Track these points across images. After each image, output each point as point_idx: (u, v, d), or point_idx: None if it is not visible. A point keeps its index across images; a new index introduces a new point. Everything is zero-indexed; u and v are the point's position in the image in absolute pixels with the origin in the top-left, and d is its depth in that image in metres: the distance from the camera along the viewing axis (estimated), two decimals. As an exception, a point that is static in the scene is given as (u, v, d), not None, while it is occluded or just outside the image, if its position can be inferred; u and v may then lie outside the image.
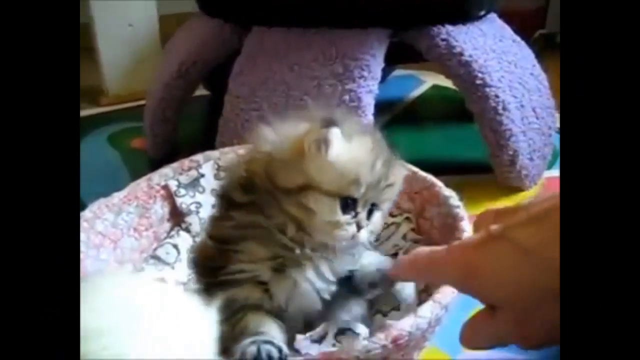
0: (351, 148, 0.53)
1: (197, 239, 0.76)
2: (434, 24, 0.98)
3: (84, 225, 0.64)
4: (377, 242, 0.68)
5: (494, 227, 0.35)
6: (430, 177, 0.70)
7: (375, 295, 0.67)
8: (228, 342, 0.54)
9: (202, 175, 0.78)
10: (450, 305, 0.53)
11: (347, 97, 0.89)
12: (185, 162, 0.78)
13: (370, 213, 0.55)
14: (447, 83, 1.08)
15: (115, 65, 1.50)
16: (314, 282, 0.56)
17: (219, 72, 1.06)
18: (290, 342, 0.55)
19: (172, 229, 0.77)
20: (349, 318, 0.60)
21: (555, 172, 1.01)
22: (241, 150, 0.73)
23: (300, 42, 0.95)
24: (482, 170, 1.05)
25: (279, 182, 0.54)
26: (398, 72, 1.65)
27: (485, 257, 0.35)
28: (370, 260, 0.60)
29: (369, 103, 0.90)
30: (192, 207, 0.77)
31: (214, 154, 0.79)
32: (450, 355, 0.67)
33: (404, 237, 0.71)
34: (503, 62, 1.02)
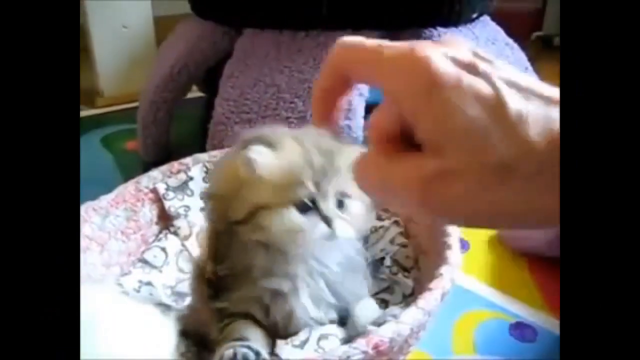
0: (279, 155, 0.53)
1: (186, 243, 0.76)
2: (425, 27, 0.98)
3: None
4: (366, 245, 0.68)
5: (480, 61, 0.30)
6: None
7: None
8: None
9: (191, 179, 0.78)
10: (434, 311, 0.53)
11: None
12: (175, 165, 0.78)
13: (342, 204, 0.54)
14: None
15: (110, 67, 1.50)
16: (309, 308, 0.55)
17: (214, 73, 1.06)
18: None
19: (160, 232, 0.77)
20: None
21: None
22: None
23: (291, 45, 0.95)
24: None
25: (232, 217, 0.54)
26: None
27: (462, 82, 0.29)
28: (366, 313, 0.58)
29: (358, 106, 0.89)
30: (181, 211, 0.77)
31: (203, 156, 0.79)
32: (436, 358, 0.67)
33: (392, 240, 0.71)
34: (495, 65, 1.01)
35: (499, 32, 1.12)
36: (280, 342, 0.53)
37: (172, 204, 0.76)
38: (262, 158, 0.52)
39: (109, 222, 0.70)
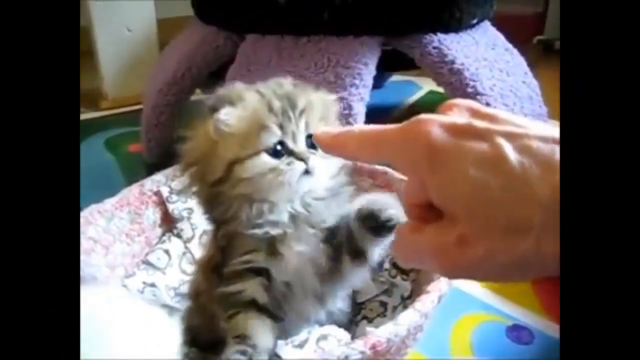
0: (240, 108, 0.55)
1: (189, 245, 0.77)
2: (426, 32, 0.99)
3: (74, 231, 0.65)
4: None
5: (477, 121, 0.31)
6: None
7: (364, 300, 0.69)
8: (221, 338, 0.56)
9: (194, 182, 0.79)
10: (431, 313, 0.54)
11: (338, 105, 0.90)
12: (178, 169, 0.79)
13: (314, 144, 0.54)
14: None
15: (114, 69, 1.51)
16: (300, 249, 0.56)
17: (218, 76, 1.08)
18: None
19: (163, 234, 0.78)
20: (334, 309, 0.61)
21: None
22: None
23: (293, 50, 0.97)
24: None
25: (211, 178, 0.56)
26: (396, 77, 1.67)
27: (460, 147, 0.30)
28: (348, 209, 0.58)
29: (360, 111, 0.90)
30: (184, 213, 0.78)
31: (206, 160, 0.80)
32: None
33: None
34: (495, 70, 1.03)
35: (499, 37, 1.13)
36: (280, 343, 0.54)
37: (176, 206, 0.77)
38: (229, 116, 0.54)
39: (114, 225, 0.72)
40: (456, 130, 0.30)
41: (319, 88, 0.62)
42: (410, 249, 0.34)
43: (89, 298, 0.34)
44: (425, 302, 0.52)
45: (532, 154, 0.28)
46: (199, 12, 1.12)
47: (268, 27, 1.00)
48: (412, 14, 0.98)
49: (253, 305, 0.56)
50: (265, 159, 0.54)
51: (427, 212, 0.32)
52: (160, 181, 0.77)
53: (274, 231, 0.56)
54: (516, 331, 0.73)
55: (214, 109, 0.55)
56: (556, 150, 0.28)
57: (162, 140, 1.14)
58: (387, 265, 0.70)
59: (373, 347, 0.47)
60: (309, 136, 0.56)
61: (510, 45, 1.12)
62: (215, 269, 0.59)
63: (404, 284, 0.68)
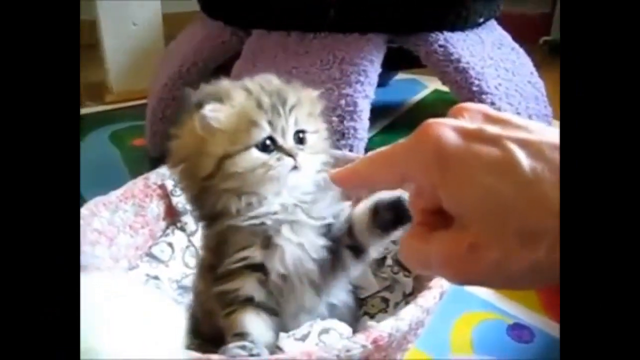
0: (229, 105, 0.55)
1: (192, 238, 0.77)
2: (432, 31, 0.99)
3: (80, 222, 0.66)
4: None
5: (488, 126, 0.30)
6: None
7: (366, 296, 0.69)
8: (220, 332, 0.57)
9: (198, 176, 0.79)
10: (433, 309, 0.55)
11: (343, 102, 0.90)
12: (182, 163, 0.79)
13: (302, 140, 0.57)
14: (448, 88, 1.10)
15: (120, 63, 1.52)
16: (293, 238, 0.56)
17: (223, 71, 1.08)
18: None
19: (167, 227, 0.78)
20: (336, 301, 0.62)
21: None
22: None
23: (298, 46, 0.97)
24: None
25: (201, 174, 0.56)
26: (400, 76, 1.67)
27: (471, 152, 0.29)
28: (343, 208, 0.60)
29: (364, 108, 0.91)
30: (188, 207, 0.78)
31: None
32: (434, 357, 0.68)
33: (394, 240, 0.72)
34: (500, 69, 1.03)
35: (505, 37, 1.13)
36: (282, 335, 0.55)
37: (180, 200, 0.78)
38: (217, 113, 0.55)
39: (118, 217, 0.72)
40: (467, 135, 0.30)
41: (303, 85, 0.62)
42: (420, 258, 0.33)
43: (95, 283, 0.34)
44: (427, 298, 0.53)
45: (544, 160, 0.28)
46: (205, 8, 1.12)
47: (274, 22, 1.00)
48: (418, 12, 0.98)
49: (250, 302, 0.56)
50: (256, 154, 0.55)
51: (435, 218, 0.32)
52: (164, 174, 0.78)
53: (268, 220, 0.56)
54: (517, 330, 0.73)
55: (199, 105, 0.55)
56: None
57: (166, 135, 1.14)
58: (389, 261, 0.71)
59: (375, 341, 0.48)
60: (298, 132, 0.56)
61: (516, 45, 1.13)
62: (209, 269, 0.60)
63: (406, 280, 0.68)
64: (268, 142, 0.55)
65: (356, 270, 0.61)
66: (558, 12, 2.08)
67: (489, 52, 1.04)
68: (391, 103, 1.50)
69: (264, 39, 1.01)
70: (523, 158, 0.28)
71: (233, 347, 0.51)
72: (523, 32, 1.20)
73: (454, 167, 0.30)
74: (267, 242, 0.56)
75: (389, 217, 0.56)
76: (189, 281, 0.72)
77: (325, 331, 0.55)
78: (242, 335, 0.54)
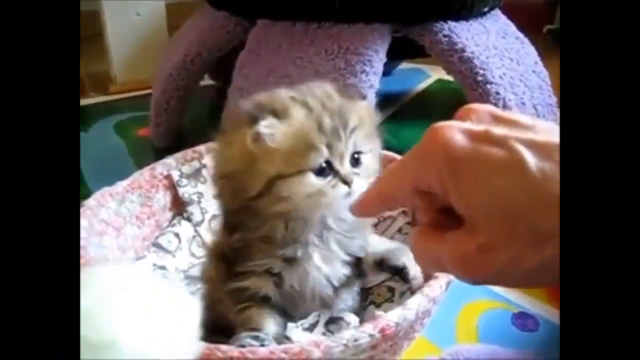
0: (288, 124, 0.52)
1: (199, 229, 0.78)
2: (436, 20, 0.99)
3: (87, 212, 0.66)
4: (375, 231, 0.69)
5: (495, 128, 0.31)
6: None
7: (372, 285, 0.70)
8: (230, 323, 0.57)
9: (204, 166, 0.79)
10: (439, 298, 0.55)
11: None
12: (188, 153, 0.80)
13: (357, 161, 0.54)
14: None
15: (123, 53, 1.51)
16: (322, 268, 0.56)
17: (226, 62, 1.08)
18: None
19: (173, 217, 0.79)
20: (343, 306, 0.61)
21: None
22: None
23: (303, 36, 0.97)
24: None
25: (248, 193, 0.53)
26: (404, 65, 1.66)
27: (479, 154, 0.30)
28: (378, 243, 0.61)
29: (369, 98, 0.91)
30: (194, 197, 0.79)
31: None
32: (440, 347, 0.69)
33: (400, 230, 0.73)
34: (505, 59, 1.02)
35: (510, 26, 1.13)
36: (290, 325, 0.55)
37: (186, 190, 0.78)
38: (272, 130, 0.51)
39: (125, 208, 0.72)
40: (475, 137, 0.30)
41: (360, 96, 0.60)
42: (432, 258, 0.33)
43: (108, 275, 0.34)
44: (434, 288, 0.53)
45: (552, 160, 0.28)
46: (210, -2, 1.12)
47: (279, 12, 1.00)
48: (423, 1, 0.97)
49: (267, 301, 0.57)
50: (312, 180, 0.52)
51: (445, 217, 0.33)
52: (170, 165, 0.78)
53: (300, 252, 0.56)
54: (522, 319, 0.73)
55: (254, 119, 0.51)
56: None
57: (171, 125, 1.15)
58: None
59: (382, 330, 0.48)
60: (354, 153, 0.54)
61: (520, 34, 1.12)
62: (224, 258, 0.59)
63: (411, 270, 0.68)
64: (324, 165, 0.52)
65: (363, 281, 0.63)
66: None
67: (494, 42, 1.04)
68: (395, 92, 1.50)
69: (269, 29, 1.01)
70: (530, 159, 0.28)
71: (245, 336, 0.52)
72: (527, 21, 1.19)
73: (463, 169, 0.30)
74: (294, 261, 0.56)
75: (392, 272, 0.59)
76: (196, 271, 0.73)
77: (333, 321, 0.56)
78: (256, 331, 0.54)
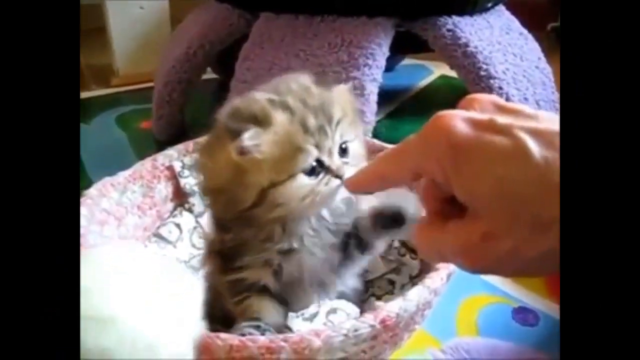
0: (272, 131, 0.50)
1: (200, 219, 0.78)
2: (440, 15, 0.98)
3: (88, 202, 0.66)
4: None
5: (499, 117, 0.31)
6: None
7: (372, 278, 0.70)
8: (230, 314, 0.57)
9: (206, 158, 0.79)
10: (440, 290, 0.55)
11: (351, 85, 0.90)
12: (190, 145, 0.80)
13: (345, 150, 0.54)
14: (455, 73, 1.09)
15: (126, 46, 1.51)
16: (319, 254, 0.57)
17: (228, 56, 1.08)
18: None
19: (175, 208, 0.79)
20: (344, 288, 0.62)
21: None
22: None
23: (306, 29, 0.96)
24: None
25: (241, 206, 0.52)
26: (407, 61, 1.66)
27: (483, 143, 0.30)
28: (368, 201, 0.59)
29: (372, 91, 0.90)
30: (195, 188, 0.79)
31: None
32: (440, 340, 0.69)
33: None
34: (508, 54, 1.02)
35: (514, 22, 1.12)
36: (291, 315, 0.55)
37: (187, 181, 0.78)
38: (257, 140, 0.50)
39: (126, 198, 0.73)
40: (478, 126, 0.30)
41: (331, 79, 0.59)
42: (434, 247, 0.33)
43: (109, 255, 0.34)
44: (435, 279, 0.53)
45: (555, 149, 0.28)
46: (213, -10, 1.12)
47: (282, 5, 1.00)
48: (427, -5, 0.97)
49: (266, 291, 0.57)
50: (304, 181, 0.51)
51: (448, 207, 0.33)
52: (172, 156, 0.78)
53: (297, 244, 0.56)
54: (522, 313, 0.73)
55: (236, 133, 0.50)
56: None
57: (172, 118, 1.15)
58: (396, 243, 0.71)
59: (382, 321, 0.48)
60: (341, 144, 0.53)
61: (524, 30, 1.12)
62: (219, 253, 0.60)
63: (412, 262, 0.68)
64: (314, 163, 0.51)
65: (363, 261, 0.62)
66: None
67: (497, 37, 1.03)
68: (397, 88, 1.50)
69: (272, 21, 1.00)
70: (534, 147, 0.28)
71: (246, 325, 0.52)
72: (530, 18, 1.19)
73: (466, 157, 0.30)
74: (290, 252, 0.56)
75: (389, 222, 0.56)
76: (196, 262, 0.73)
77: (333, 311, 0.56)
78: (257, 320, 0.54)
